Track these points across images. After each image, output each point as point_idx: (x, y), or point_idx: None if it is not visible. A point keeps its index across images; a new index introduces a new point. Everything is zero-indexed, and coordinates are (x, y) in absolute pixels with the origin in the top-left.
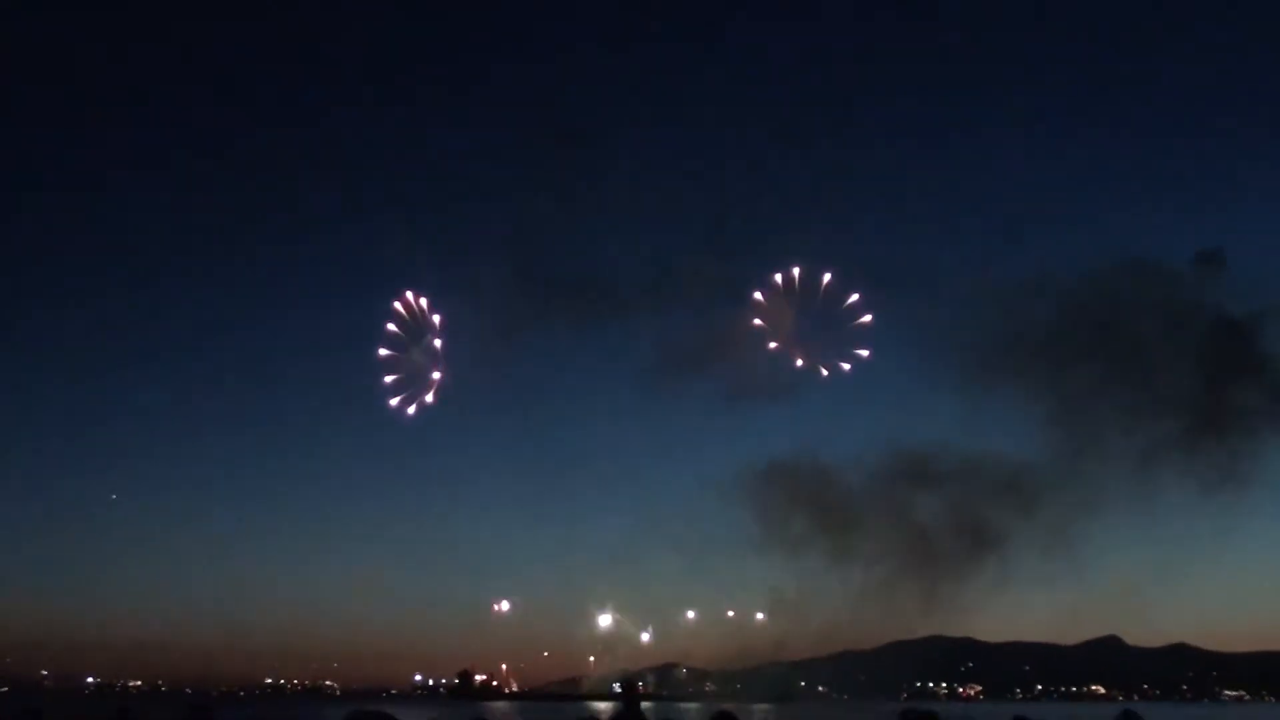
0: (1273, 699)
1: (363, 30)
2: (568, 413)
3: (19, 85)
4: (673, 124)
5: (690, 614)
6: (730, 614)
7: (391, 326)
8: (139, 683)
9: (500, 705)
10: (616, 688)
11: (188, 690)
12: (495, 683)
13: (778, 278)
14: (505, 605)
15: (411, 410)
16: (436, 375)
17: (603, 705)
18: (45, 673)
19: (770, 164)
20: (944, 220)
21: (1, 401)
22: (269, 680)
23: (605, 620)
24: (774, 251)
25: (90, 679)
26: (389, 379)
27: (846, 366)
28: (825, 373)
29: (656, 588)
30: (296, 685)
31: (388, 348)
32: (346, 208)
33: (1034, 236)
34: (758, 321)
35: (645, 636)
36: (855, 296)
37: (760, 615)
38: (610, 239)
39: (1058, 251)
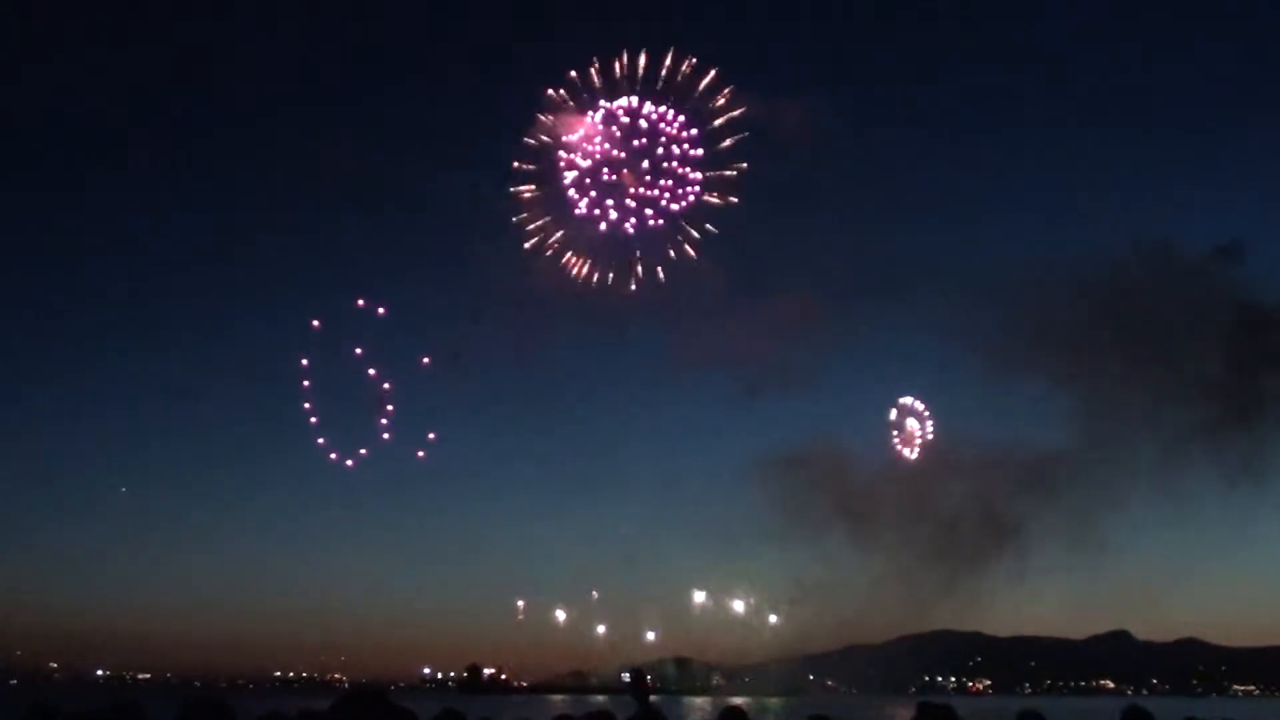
0: None
1: (366, 35)
2: (584, 404)
3: (27, 84)
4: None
5: (701, 606)
6: (743, 607)
7: None
8: (148, 675)
9: (510, 699)
10: (625, 676)
11: (196, 683)
12: (504, 676)
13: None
14: (521, 605)
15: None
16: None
17: (602, 698)
18: (55, 665)
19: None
20: (965, 211)
21: (10, 394)
22: (277, 673)
23: (617, 613)
24: (788, 247)
25: (100, 671)
26: None
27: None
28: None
29: (669, 579)
30: (304, 678)
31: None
32: (359, 195)
33: (1057, 226)
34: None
35: (653, 631)
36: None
37: (772, 614)
38: None
39: (1081, 240)
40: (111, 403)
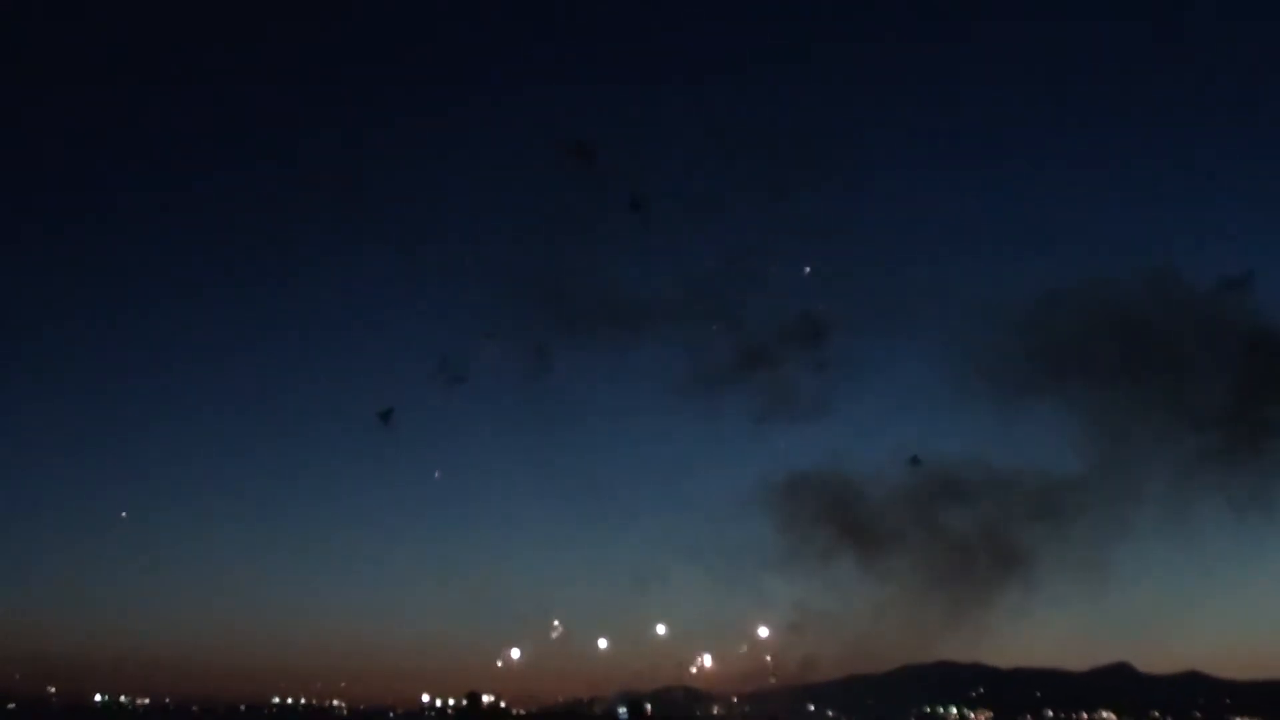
0: None
1: (374, 50)
2: (591, 431)
3: (48, 90)
4: (691, 148)
5: (700, 635)
6: (745, 635)
7: None
8: (146, 700)
9: None
10: (622, 710)
11: (194, 708)
12: (504, 703)
13: None
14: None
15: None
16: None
17: None
18: (53, 689)
19: (789, 185)
20: (973, 237)
21: (10, 419)
22: (276, 699)
23: (620, 640)
24: (796, 272)
25: (98, 696)
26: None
27: None
28: None
29: (673, 606)
30: (304, 704)
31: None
32: (362, 229)
33: (1066, 253)
34: None
35: (656, 659)
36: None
37: (765, 631)
38: (634, 258)
39: (1090, 268)
40: (110, 428)
